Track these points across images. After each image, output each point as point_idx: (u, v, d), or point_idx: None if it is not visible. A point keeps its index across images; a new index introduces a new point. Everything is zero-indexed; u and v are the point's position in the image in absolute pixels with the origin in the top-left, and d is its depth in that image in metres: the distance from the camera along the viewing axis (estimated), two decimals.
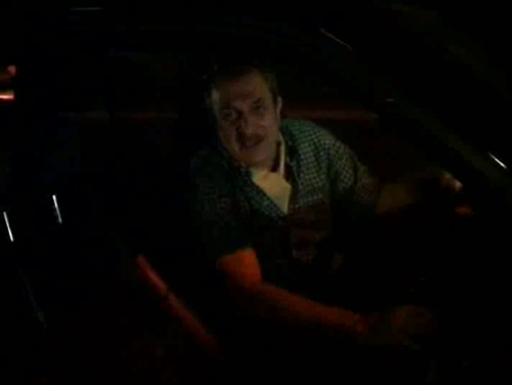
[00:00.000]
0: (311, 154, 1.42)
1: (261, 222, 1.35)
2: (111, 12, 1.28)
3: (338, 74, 0.85)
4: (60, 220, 1.75)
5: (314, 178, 1.41)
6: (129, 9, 1.22)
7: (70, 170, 1.79)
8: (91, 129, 2.01)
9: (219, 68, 1.51)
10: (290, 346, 1.22)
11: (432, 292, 1.17)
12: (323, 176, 1.42)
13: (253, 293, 1.21)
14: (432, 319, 1.02)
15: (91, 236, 1.71)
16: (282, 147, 1.38)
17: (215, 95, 1.27)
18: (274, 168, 1.38)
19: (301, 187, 1.38)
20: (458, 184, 1.20)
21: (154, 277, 1.52)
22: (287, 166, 1.38)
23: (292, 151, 1.39)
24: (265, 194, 1.35)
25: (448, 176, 1.22)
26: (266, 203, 1.35)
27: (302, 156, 1.40)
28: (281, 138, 1.39)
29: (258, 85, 1.25)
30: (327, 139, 1.44)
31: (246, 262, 1.26)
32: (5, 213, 1.71)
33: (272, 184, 1.36)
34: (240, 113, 1.25)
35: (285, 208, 1.37)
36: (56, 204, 1.75)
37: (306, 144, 1.42)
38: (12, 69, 1.91)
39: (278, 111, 1.33)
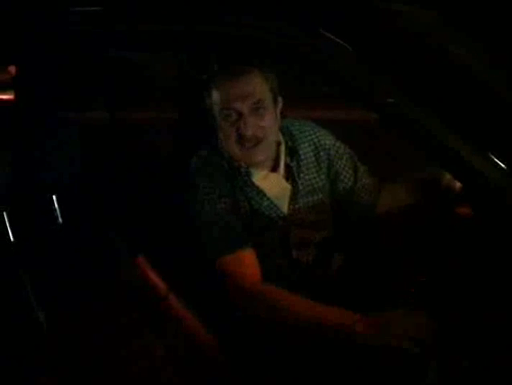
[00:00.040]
0: (311, 154, 1.42)
1: (261, 222, 1.35)
2: (111, 12, 1.28)
3: (338, 74, 0.85)
4: (60, 220, 1.75)
5: (315, 178, 1.41)
6: (129, 9, 1.22)
7: (70, 170, 1.79)
8: (91, 129, 2.01)
9: (219, 68, 1.51)
10: (290, 346, 1.22)
11: (432, 292, 1.17)
12: (323, 177, 1.42)
13: (253, 293, 1.21)
14: (431, 323, 1.02)
15: (91, 236, 1.71)
16: (282, 148, 1.38)
17: (215, 96, 1.27)
18: (274, 169, 1.38)
19: (301, 187, 1.38)
20: (458, 184, 1.20)
21: (154, 277, 1.52)
22: (287, 166, 1.38)
23: (292, 152, 1.39)
24: (265, 194, 1.35)
25: (448, 176, 1.22)
26: (266, 203, 1.35)
27: (303, 156, 1.40)
28: (281, 138, 1.39)
29: (258, 86, 1.25)
30: (327, 140, 1.44)
31: (246, 262, 1.26)
32: (5, 213, 1.71)
33: (272, 185, 1.36)
34: (240, 114, 1.24)
35: (285, 208, 1.37)
36: (56, 204, 1.75)
37: (307, 144, 1.42)
38: (12, 69, 1.91)
39: (279, 111, 1.33)
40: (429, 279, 1.22)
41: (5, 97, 1.97)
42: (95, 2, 1.34)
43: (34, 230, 1.75)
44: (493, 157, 0.71)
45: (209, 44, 1.20)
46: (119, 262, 1.69)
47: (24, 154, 1.78)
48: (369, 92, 0.82)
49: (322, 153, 1.42)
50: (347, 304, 1.12)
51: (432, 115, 0.76)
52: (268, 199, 1.36)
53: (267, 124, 1.27)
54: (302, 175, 1.39)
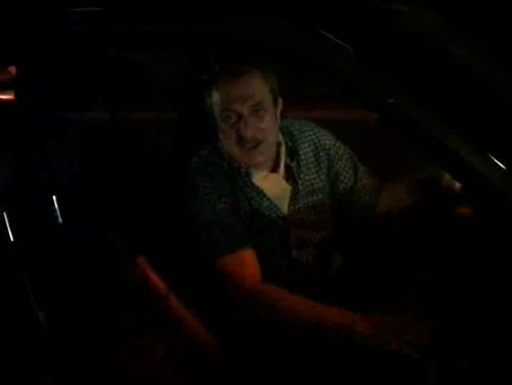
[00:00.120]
0: (311, 154, 1.42)
1: (261, 222, 1.35)
2: (111, 12, 1.28)
3: (338, 74, 0.85)
4: (60, 220, 1.75)
5: (314, 178, 1.41)
6: (129, 9, 1.22)
7: (70, 170, 1.79)
8: (91, 129, 2.01)
9: (219, 68, 1.51)
10: (290, 346, 1.22)
11: (432, 292, 1.17)
12: (323, 177, 1.42)
13: (253, 293, 1.21)
14: (431, 325, 1.02)
15: (91, 236, 1.71)
16: (283, 148, 1.38)
17: (215, 97, 1.27)
18: (274, 169, 1.38)
19: (301, 187, 1.38)
20: (458, 184, 1.20)
21: (154, 278, 1.52)
22: (287, 166, 1.38)
23: (292, 152, 1.39)
24: (265, 194, 1.35)
25: (448, 176, 1.22)
26: (266, 203, 1.35)
27: (303, 157, 1.40)
28: (281, 138, 1.39)
29: (258, 87, 1.25)
30: (327, 140, 1.44)
31: (246, 262, 1.26)
32: (5, 213, 1.71)
33: (272, 185, 1.36)
34: (240, 115, 1.24)
35: (285, 208, 1.37)
36: (56, 204, 1.75)
37: (307, 145, 1.42)
38: (12, 69, 1.91)
39: (279, 112, 1.33)
40: (429, 279, 1.22)
41: (5, 97, 1.97)
42: (95, 2, 1.34)
43: (34, 230, 1.75)
44: (492, 158, 0.71)
45: (209, 44, 1.19)
46: (119, 262, 1.69)
47: (24, 154, 1.78)
48: (369, 92, 0.82)
49: (322, 153, 1.42)
50: (347, 304, 1.12)
51: (432, 115, 0.76)
52: (268, 199, 1.36)
53: (267, 126, 1.27)
54: (302, 175, 1.39)
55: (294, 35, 0.86)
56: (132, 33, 1.23)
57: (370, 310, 1.10)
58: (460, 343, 1.00)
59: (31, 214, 1.75)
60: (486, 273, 1.10)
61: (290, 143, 1.40)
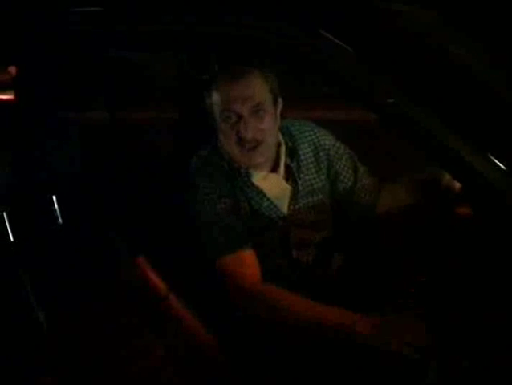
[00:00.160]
0: (311, 154, 1.41)
1: (261, 222, 1.35)
2: (111, 12, 1.28)
3: (338, 74, 0.85)
4: (60, 220, 1.75)
5: (314, 179, 1.41)
6: (129, 9, 1.22)
7: (70, 170, 1.79)
8: (91, 129, 2.01)
9: (219, 68, 1.51)
10: (290, 346, 1.22)
11: (432, 292, 1.17)
12: (322, 177, 1.42)
13: (253, 293, 1.21)
14: (430, 325, 1.02)
15: (91, 236, 1.71)
16: (282, 148, 1.38)
17: (215, 97, 1.27)
18: (274, 169, 1.38)
19: (301, 187, 1.38)
20: (458, 184, 1.20)
21: (154, 278, 1.52)
22: (287, 167, 1.38)
23: (292, 152, 1.39)
24: (265, 195, 1.35)
25: (448, 176, 1.22)
26: (266, 203, 1.35)
27: (302, 157, 1.40)
28: (281, 139, 1.39)
29: (258, 87, 1.25)
30: (327, 140, 1.44)
31: (246, 262, 1.26)
32: (5, 213, 1.71)
33: (272, 185, 1.36)
34: (240, 116, 1.24)
35: (285, 208, 1.37)
36: (56, 204, 1.75)
37: (306, 145, 1.42)
38: (12, 69, 1.91)
39: (279, 112, 1.33)
40: (429, 279, 1.22)
41: (5, 97, 1.97)
42: (95, 2, 1.34)
43: (34, 230, 1.75)
44: (492, 158, 0.71)
45: (209, 44, 1.19)
46: (119, 262, 1.69)
47: (24, 154, 1.78)
48: (369, 92, 0.82)
49: (321, 153, 1.42)
50: (346, 304, 1.12)
51: (432, 115, 0.76)
52: (268, 199, 1.36)
53: (267, 126, 1.27)
54: (301, 175, 1.39)
55: (294, 35, 0.86)
56: (132, 33, 1.23)
57: (370, 310, 1.10)
58: (460, 343, 1.00)
59: (31, 214, 1.75)
60: (486, 273, 1.10)
61: (289, 144, 1.40)
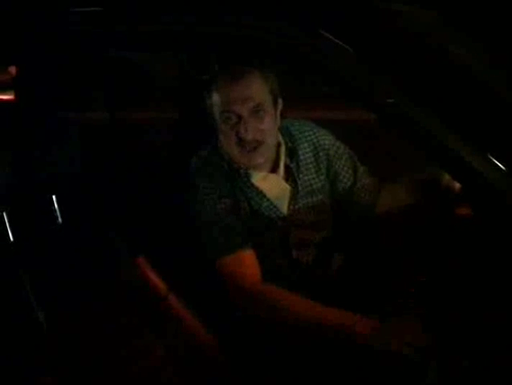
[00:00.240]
0: (311, 154, 1.41)
1: (261, 223, 1.35)
2: (111, 12, 1.28)
3: (338, 74, 0.85)
4: (60, 220, 1.75)
5: (314, 179, 1.41)
6: (129, 9, 1.22)
7: (70, 170, 1.79)
8: (91, 129, 2.01)
9: (219, 69, 1.51)
10: (290, 346, 1.22)
11: (432, 292, 1.17)
12: (322, 177, 1.42)
13: (253, 293, 1.21)
14: (428, 330, 1.02)
15: (91, 236, 1.71)
16: (282, 149, 1.38)
17: (215, 97, 1.27)
18: (274, 169, 1.38)
19: (300, 188, 1.38)
20: (458, 184, 1.20)
21: (154, 278, 1.52)
22: (287, 167, 1.38)
23: (292, 152, 1.39)
24: (264, 195, 1.35)
25: (448, 176, 1.22)
26: (265, 204, 1.35)
27: (302, 157, 1.40)
28: (280, 139, 1.38)
29: (258, 88, 1.24)
30: (327, 140, 1.44)
31: (246, 262, 1.26)
32: (5, 213, 1.71)
33: (272, 185, 1.36)
34: (240, 117, 1.24)
35: (285, 208, 1.37)
36: (56, 204, 1.75)
37: (306, 145, 1.41)
38: (12, 69, 1.91)
39: (279, 113, 1.33)
40: (429, 279, 1.22)
41: (5, 97, 1.97)
42: (95, 2, 1.34)
43: (34, 230, 1.75)
44: (492, 158, 0.71)
45: (209, 44, 1.19)
46: (119, 262, 1.70)
47: (24, 154, 1.78)
48: (369, 92, 0.82)
49: (321, 153, 1.42)
50: (347, 304, 1.12)
51: (432, 115, 0.76)
52: (268, 200, 1.36)
53: (267, 127, 1.27)
54: (301, 175, 1.39)
55: (294, 35, 0.86)
56: (132, 33, 1.23)
57: (370, 310, 1.10)
58: (460, 343, 1.00)
59: (31, 214, 1.75)
60: (486, 273, 1.10)
61: (289, 144, 1.39)
